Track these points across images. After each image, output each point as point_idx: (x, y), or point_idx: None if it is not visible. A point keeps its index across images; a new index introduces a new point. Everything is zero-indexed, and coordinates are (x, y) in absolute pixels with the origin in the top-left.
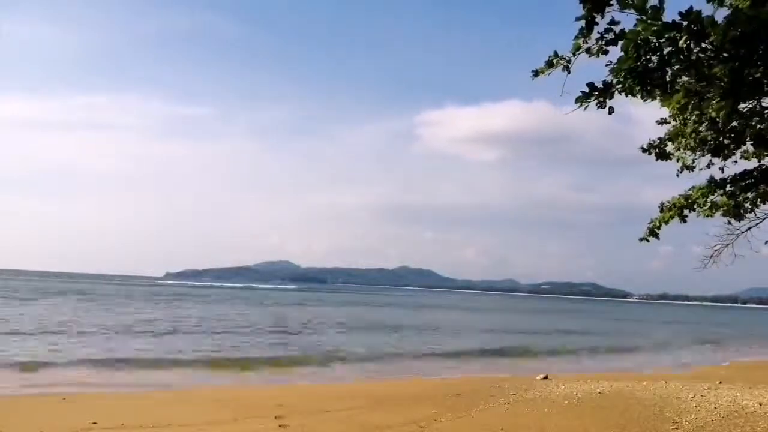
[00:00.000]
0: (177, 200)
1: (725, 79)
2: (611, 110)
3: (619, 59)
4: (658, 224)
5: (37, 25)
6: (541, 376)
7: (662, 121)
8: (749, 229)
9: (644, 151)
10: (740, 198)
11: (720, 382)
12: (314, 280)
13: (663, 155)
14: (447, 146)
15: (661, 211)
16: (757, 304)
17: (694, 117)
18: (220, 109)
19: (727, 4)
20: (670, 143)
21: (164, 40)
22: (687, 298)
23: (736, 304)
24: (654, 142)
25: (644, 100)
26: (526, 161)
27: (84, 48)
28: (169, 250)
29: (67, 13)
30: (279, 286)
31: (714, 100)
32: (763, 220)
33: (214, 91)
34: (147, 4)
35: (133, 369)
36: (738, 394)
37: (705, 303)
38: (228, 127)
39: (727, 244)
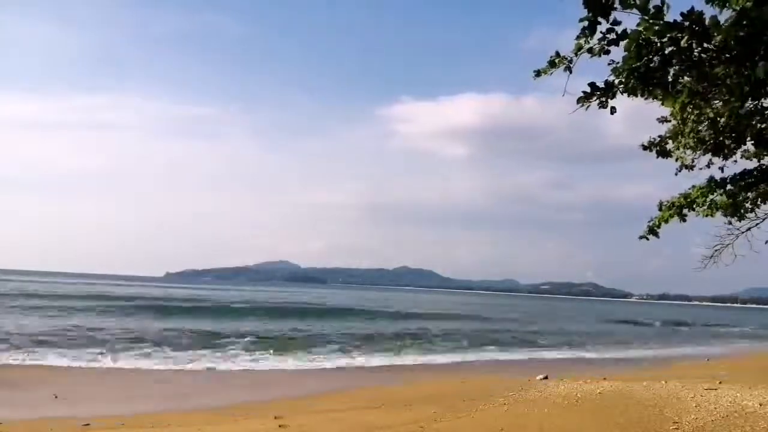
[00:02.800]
0: (177, 200)
1: (735, 79)
2: (613, 110)
3: (624, 59)
4: (657, 223)
5: (37, 25)
6: (541, 376)
7: (662, 120)
8: (749, 229)
9: (645, 148)
10: (740, 198)
11: (720, 382)
12: (314, 280)
13: (663, 153)
14: (425, 142)
15: (660, 210)
16: (757, 304)
17: (693, 116)
18: (221, 109)
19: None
20: (670, 141)
21: (166, 39)
22: (687, 298)
23: (736, 304)
24: (654, 139)
25: (645, 100)
26: (499, 157)
27: (85, 48)
28: (169, 250)
29: (68, 14)
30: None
31: (716, 100)
32: (764, 220)
33: (215, 91)
34: (149, 4)
35: (131, 370)
36: (738, 394)
37: (705, 303)
38: (229, 126)
39: (727, 244)
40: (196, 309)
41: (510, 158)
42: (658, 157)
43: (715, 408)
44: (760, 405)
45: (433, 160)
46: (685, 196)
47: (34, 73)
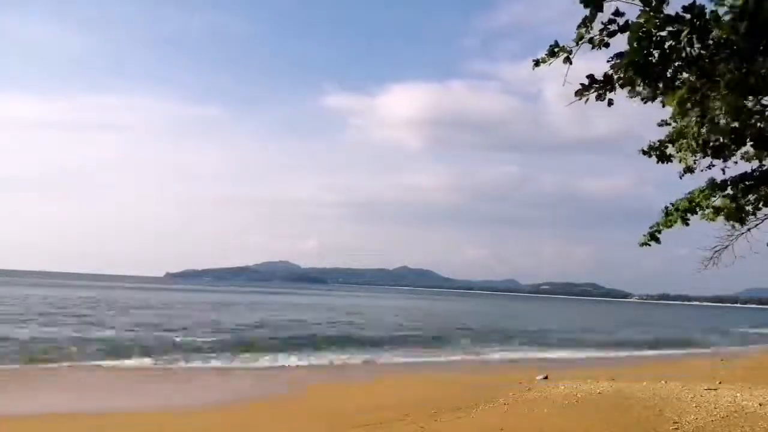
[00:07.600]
0: (177, 200)
1: (732, 74)
2: (610, 103)
3: (626, 52)
4: (659, 228)
5: (44, 25)
6: (541, 376)
7: (663, 123)
8: (749, 230)
9: (644, 153)
10: (741, 201)
11: (720, 382)
12: (314, 280)
13: (663, 157)
14: (385, 134)
15: (666, 215)
16: (757, 304)
17: (695, 116)
18: (225, 109)
19: (728, 4)
20: (670, 145)
21: (172, 40)
22: (687, 298)
23: (736, 305)
24: (654, 144)
25: (643, 100)
26: (461, 151)
27: (86, 48)
28: (169, 250)
29: (76, 14)
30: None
31: (716, 94)
32: (764, 221)
33: (220, 92)
34: (156, 5)
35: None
36: (738, 394)
37: (705, 303)
38: (233, 127)
39: (727, 245)
40: None
41: (472, 152)
42: (658, 162)
43: (715, 408)
44: (760, 405)
45: (397, 155)
46: (689, 200)
47: (35, 72)
